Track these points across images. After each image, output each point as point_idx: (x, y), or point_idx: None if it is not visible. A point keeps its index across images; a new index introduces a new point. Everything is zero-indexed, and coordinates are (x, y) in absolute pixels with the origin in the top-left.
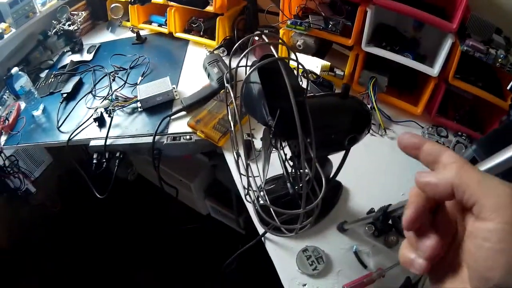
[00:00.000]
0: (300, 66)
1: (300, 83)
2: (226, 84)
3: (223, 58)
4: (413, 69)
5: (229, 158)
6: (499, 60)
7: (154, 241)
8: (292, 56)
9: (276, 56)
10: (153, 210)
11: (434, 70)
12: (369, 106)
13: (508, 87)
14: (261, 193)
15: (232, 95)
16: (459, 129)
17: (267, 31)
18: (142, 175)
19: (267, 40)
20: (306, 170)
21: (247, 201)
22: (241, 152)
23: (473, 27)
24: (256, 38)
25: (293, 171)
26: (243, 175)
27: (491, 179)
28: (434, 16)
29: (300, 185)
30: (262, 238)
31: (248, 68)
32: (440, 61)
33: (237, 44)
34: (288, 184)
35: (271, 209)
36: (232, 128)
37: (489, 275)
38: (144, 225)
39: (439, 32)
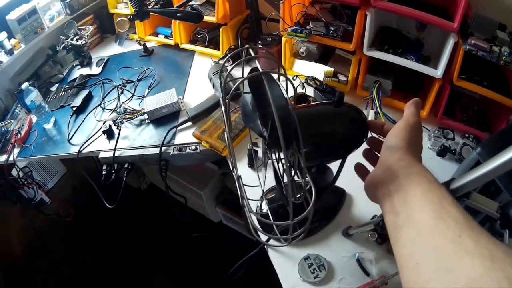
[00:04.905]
0: (284, 80)
1: (302, 90)
2: (220, 99)
3: (228, 68)
4: (418, 71)
5: None
6: (503, 57)
7: (166, 248)
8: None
9: (260, 70)
10: (165, 218)
11: (438, 72)
12: (373, 111)
13: None
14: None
15: (223, 109)
16: (466, 130)
17: (270, 39)
18: (154, 184)
19: (252, 54)
20: (300, 180)
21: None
22: (236, 163)
23: (475, 25)
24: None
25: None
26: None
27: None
28: (434, 16)
29: (298, 195)
30: (265, 246)
31: (243, 81)
32: (443, 62)
33: (226, 58)
34: (281, 195)
35: (268, 218)
36: (226, 139)
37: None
38: (156, 233)
39: (442, 32)
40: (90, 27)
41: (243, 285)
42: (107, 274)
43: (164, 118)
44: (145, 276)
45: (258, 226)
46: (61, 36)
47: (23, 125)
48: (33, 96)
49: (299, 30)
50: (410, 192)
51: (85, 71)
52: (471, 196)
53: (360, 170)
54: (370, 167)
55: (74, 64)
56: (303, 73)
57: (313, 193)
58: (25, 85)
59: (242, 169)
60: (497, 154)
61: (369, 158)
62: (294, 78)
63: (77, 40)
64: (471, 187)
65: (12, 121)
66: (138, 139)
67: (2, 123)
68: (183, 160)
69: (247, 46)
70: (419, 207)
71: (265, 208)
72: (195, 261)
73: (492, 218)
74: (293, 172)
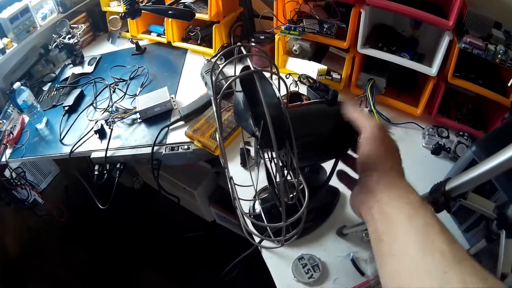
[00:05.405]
0: (277, 78)
1: (296, 89)
2: (212, 99)
3: (220, 66)
4: (413, 69)
5: None
6: (499, 56)
7: (160, 247)
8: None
9: (252, 68)
10: (159, 218)
11: (432, 70)
12: (367, 109)
13: (510, 83)
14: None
15: (214, 108)
16: (461, 128)
17: (263, 37)
18: (147, 183)
19: (244, 52)
20: (292, 180)
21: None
22: (228, 164)
23: (471, 23)
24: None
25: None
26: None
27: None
28: (429, 14)
29: (290, 195)
30: (258, 246)
31: (235, 80)
32: (438, 60)
33: (218, 56)
34: (273, 195)
35: (261, 217)
36: (218, 140)
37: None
38: (150, 232)
39: (437, 30)
40: (82, 25)
41: (237, 285)
42: (101, 273)
43: (156, 117)
44: (139, 275)
45: (252, 227)
46: (53, 35)
47: (15, 125)
48: (25, 96)
49: (292, 28)
50: (393, 218)
51: (78, 70)
52: (468, 196)
53: (344, 178)
54: (353, 174)
55: (67, 63)
56: (296, 71)
57: (306, 193)
58: (17, 85)
59: (235, 168)
60: (494, 154)
61: (346, 183)
62: (287, 76)
63: (69, 38)
64: (467, 188)
65: (4, 121)
66: (130, 139)
67: None
68: (175, 159)
69: (239, 44)
70: (402, 237)
71: (258, 208)
72: (189, 261)
73: (488, 218)
74: (285, 172)
